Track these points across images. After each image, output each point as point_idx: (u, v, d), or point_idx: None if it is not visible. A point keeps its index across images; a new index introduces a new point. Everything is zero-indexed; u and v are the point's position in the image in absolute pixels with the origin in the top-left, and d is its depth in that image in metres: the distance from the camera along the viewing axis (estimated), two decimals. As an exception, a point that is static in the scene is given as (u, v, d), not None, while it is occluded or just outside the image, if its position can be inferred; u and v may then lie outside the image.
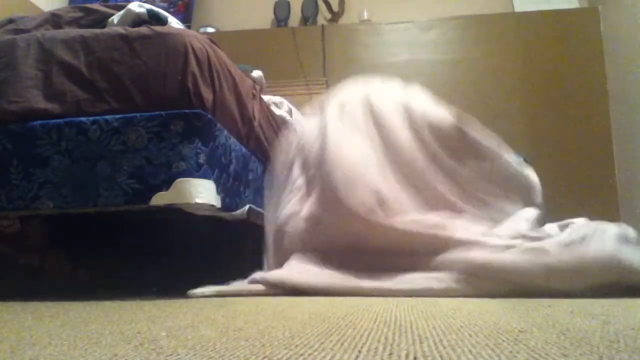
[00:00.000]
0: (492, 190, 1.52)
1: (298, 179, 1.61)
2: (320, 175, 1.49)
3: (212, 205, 1.29)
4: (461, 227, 1.36)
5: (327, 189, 1.45)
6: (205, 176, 1.28)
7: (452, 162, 1.52)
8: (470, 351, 0.49)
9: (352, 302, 1.10)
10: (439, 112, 1.60)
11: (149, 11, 1.50)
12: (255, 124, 1.72)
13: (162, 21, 1.51)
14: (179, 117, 1.29)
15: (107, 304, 1.08)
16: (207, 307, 1.01)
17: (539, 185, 1.60)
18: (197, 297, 1.29)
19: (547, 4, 3.27)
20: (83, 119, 1.32)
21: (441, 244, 1.31)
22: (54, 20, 1.57)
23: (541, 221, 1.53)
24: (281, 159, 1.73)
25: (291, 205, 1.55)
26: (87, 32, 1.41)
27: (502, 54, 3.22)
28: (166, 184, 1.25)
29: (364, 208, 1.37)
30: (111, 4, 1.62)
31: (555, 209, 2.84)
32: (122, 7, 1.52)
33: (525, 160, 2.73)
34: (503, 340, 0.55)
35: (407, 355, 0.48)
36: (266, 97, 2.11)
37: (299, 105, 2.65)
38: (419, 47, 3.35)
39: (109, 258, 1.70)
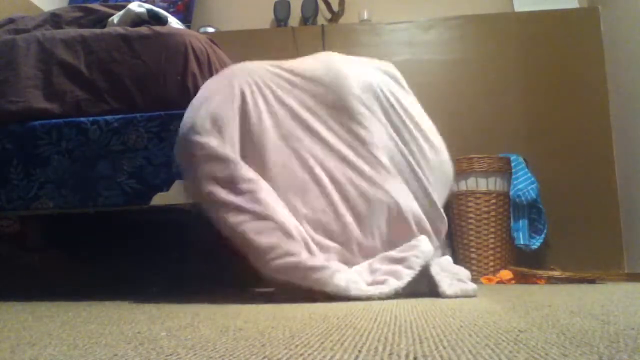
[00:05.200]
0: None
1: None
2: None
3: (212, 205, 1.29)
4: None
5: None
6: (205, 176, 1.28)
7: None
8: (470, 351, 0.49)
9: (352, 302, 1.10)
10: None
11: (149, 11, 1.50)
12: (255, 124, 1.71)
13: (162, 21, 1.51)
14: (179, 117, 1.29)
15: (107, 304, 1.08)
16: (207, 307, 1.01)
17: None
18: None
19: (547, 4, 3.27)
20: (83, 119, 1.32)
21: None
22: (54, 20, 1.57)
23: None
24: None
25: None
26: (87, 32, 1.41)
27: (502, 54, 3.22)
28: (166, 184, 1.25)
29: None
30: (111, 4, 1.62)
31: (555, 209, 2.85)
32: (122, 7, 1.52)
33: (525, 160, 2.74)
34: (503, 340, 0.55)
35: (407, 355, 0.48)
36: (266, 97, 2.11)
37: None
38: (419, 47, 3.35)
39: (108, 258, 1.70)
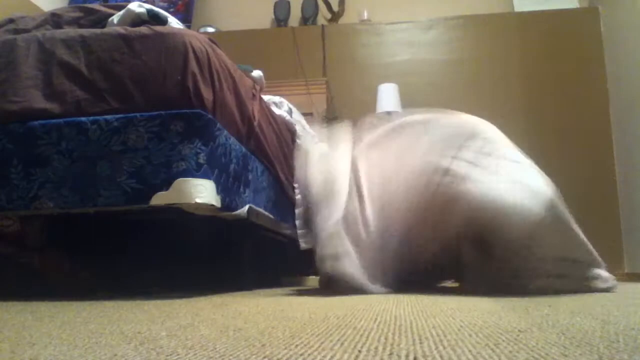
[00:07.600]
0: None
1: None
2: None
3: (212, 205, 1.29)
4: None
5: None
6: (205, 176, 1.28)
7: None
8: (470, 351, 0.49)
9: (352, 302, 1.10)
10: None
11: (149, 11, 1.50)
12: (255, 123, 1.72)
13: (162, 21, 1.51)
14: (179, 117, 1.29)
15: (107, 304, 1.08)
16: (207, 307, 1.01)
17: None
18: None
19: (547, 4, 3.27)
20: (83, 119, 1.32)
21: None
22: (54, 20, 1.57)
23: None
24: None
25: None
26: (87, 32, 1.41)
27: (502, 54, 3.22)
28: (166, 184, 1.25)
29: None
30: (111, 4, 1.62)
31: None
32: (122, 7, 1.52)
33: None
34: (503, 340, 0.55)
35: (407, 355, 0.48)
36: (266, 97, 2.11)
37: (299, 105, 2.65)
38: (419, 47, 3.35)
39: (108, 258, 1.70)
